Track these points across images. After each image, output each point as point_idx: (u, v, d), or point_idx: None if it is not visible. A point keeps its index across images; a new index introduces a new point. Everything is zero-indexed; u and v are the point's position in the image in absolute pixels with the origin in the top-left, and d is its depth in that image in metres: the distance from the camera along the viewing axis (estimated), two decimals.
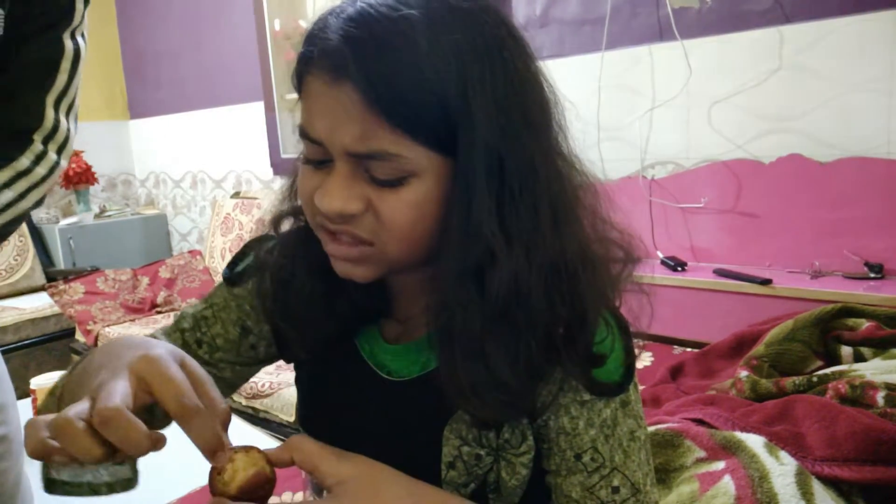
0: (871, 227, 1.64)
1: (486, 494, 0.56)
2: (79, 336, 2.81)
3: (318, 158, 0.51)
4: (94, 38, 3.95)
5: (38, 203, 0.82)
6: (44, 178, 0.81)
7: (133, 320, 2.78)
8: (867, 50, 1.62)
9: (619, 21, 2.03)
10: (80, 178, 3.62)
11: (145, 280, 3.01)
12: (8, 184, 0.78)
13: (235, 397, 2.02)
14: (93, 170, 3.68)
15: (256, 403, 1.94)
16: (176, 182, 3.85)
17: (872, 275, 1.60)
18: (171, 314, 2.85)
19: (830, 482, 0.92)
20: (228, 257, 3.00)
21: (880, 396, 1.05)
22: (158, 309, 2.92)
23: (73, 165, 3.59)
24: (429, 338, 0.55)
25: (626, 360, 0.55)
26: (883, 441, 0.92)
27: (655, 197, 2.00)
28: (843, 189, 1.67)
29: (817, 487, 0.88)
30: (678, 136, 1.98)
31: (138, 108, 4.03)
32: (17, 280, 3.33)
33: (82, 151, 3.69)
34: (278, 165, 3.15)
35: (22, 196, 0.79)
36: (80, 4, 0.82)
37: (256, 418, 1.93)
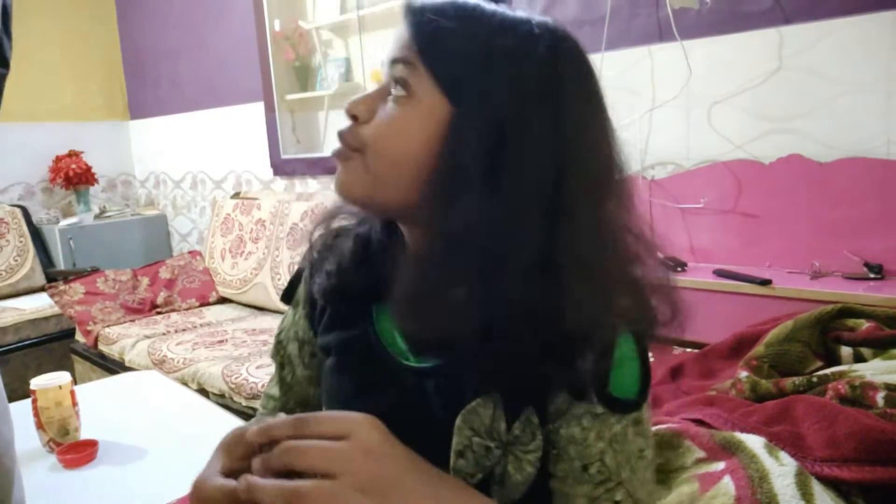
0: (871, 227, 1.64)
1: (490, 486, 0.57)
2: (79, 336, 2.81)
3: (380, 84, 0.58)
4: (94, 38, 3.96)
5: None
6: None
7: (133, 321, 2.78)
8: (867, 50, 1.62)
9: (619, 21, 2.03)
10: (80, 179, 3.62)
11: (145, 280, 3.01)
12: None
13: (235, 398, 2.02)
14: (93, 170, 3.69)
15: (256, 404, 1.94)
16: (176, 182, 3.85)
17: (872, 275, 1.60)
18: (171, 314, 2.86)
19: (830, 482, 0.92)
20: (228, 258, 3.01)
21: (880, 397, 1.05)
22: (158, 309, 2.92)
23: (73, 166, 3.60)
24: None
25: (642, 377, 0.56)
26: (883, 441, 0.92)
27: (655, 197, 2.00)
28: (843, 189, 1.67)
29: (817, 488, 0.88)
30: (678, 136, 1.98)
31: (138, 108, 4.03)
32: (17, 280, 3.33)
33: (82, 152, 3.70)
34: (278, 166, 3.14)
35: None
36: None
37: None
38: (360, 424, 0.49)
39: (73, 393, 1.39)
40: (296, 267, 0.75)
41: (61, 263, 3.48)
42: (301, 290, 0.74)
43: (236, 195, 3.28)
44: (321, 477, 0.46)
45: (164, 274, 3.04)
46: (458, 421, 0.56)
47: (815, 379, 1.18)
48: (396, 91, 0.55)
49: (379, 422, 0.50)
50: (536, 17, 0.56)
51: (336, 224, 0.69)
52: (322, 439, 0.48)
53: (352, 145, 0.56)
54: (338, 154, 0.58)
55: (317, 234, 0.69)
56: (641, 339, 0.56)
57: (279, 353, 0.75)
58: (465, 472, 0.56)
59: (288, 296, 0.75)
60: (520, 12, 0.57)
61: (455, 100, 0.53)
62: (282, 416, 0.51)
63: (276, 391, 0.77)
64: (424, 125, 0.54)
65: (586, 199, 0.53)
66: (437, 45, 0.54)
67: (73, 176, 3.58)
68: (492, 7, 0.55)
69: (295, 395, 0.75)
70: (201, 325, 2.68)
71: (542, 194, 0.52)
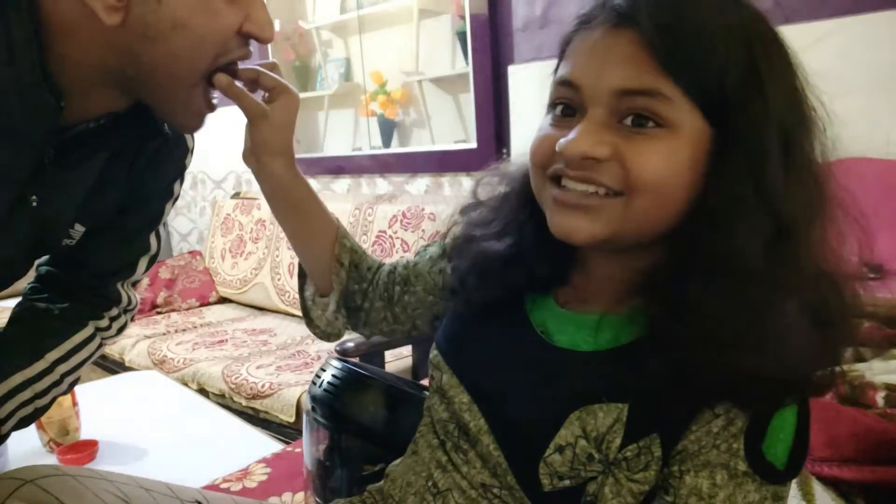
0: (870, 227, 1.64)
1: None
2: None
3: (568, 105, 0.52)
4: None
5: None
6: (119, 330, 0.96)
7: (133, 320, 2.78)
8: (867, 50, 1.62)
9: None
10: None
11: (145, 280, 3.01)
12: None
13: (235, 398, 2.02)
14: None
15: (256, 404, 1.94)
16: None
17: (872, 275, 1.59)
18: (171, 314, 2.86)
19: (830, 482, 0.92)
20: (228, 258, 3.01)
21: (880, 397, 1.05)
22: (158, 309, 2.92)
23: None
24: (637, 318, 0.54)
25: (796, 447, 0.50)
26: (883, 441, 0.92)
27: None
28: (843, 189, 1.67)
29: (818, 488, 0.88)
30: None
31: None
32: (26, 282, 3.32)
33: None
34: None
35: (102, 346, 0.92)
36: (169, 206, 0.91)
37: (256, 419, 1.93)
38: None
39: (73, 393, 1.39)
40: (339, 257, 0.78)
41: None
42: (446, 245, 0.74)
43: (236, 195, 3.28)
44: None
45: (164, 274, 3.04)
46: (572, 416, 0.52)
47: None
48: (646, 115, 0.49)
49: None
50: None
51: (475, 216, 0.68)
52: None
53: (613, 188, 0.50)
54: (584, 199, 0.51)
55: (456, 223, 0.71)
56: (804, 403, 0.52)
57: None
58: (554, 470, 0.53)
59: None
60: None
61: (720, 122, 0.49)
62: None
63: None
64: (689, 156, 0.49)
65: (817, 219, 0.52)
66: (693, 65, 0.48)
67: None
68: None
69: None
70: (201, 325, 2.67)
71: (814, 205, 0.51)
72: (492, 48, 2.25)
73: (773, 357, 0.47)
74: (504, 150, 2.09)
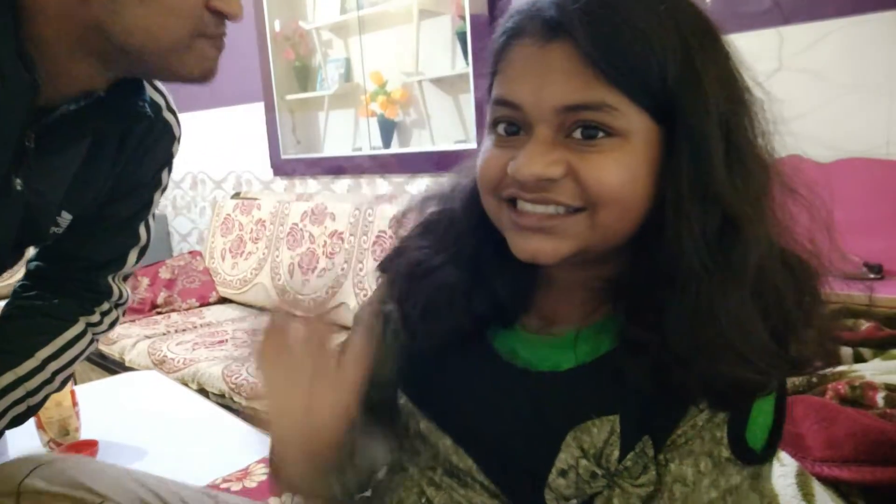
0: (870, 227, 1.64)
1: None
2: None
3: (511, 125, 0.51)
4: None
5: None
6: (110, 325, 0.95)
7: (133, 321, 2.78)
8: (867, 50, 1.62)
9: None
10: None
11: (145, 280, 3.01)
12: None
13: (236, 398, 2.02)
14: None
15: (256, 404, 1.94)
16: (176, 183, 3.85)
17: (872, 275, 1.59)
18: (171, 314, 2.86)
19: (830, 483, 0.92)
20: (228, 258, 3.01)
21: (880, 397, 1.05)
22: (158, 309, 2.91)
23: None
24: (607, 330, 0.52)
25: (774, 428, 0.52)
26: (883, 442, 0.92)
27: None
28: (843, 190, 1.67)
29: (818, 488, 0.88)
30: None
31: None
32: (16, 281, 3.32)
33: None
34: (278, 166, 3.14)
35: (94, 341, 0.92)
36: (158, 196, 0.90)
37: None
38: None
39: (73, 393, 1.39)
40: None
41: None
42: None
43: (236, 195, 3.27)
44: None
45: (164, 274, 3.03)
46: (567, 437, 0.52)
47: (814, 379, 1.17)
48: (596, 127, 0.47)
49: None
50: None
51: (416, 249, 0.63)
52: None
53: (573, 206, 0.49)
54: (545, 221, 0.50)
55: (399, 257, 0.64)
56: (783, 385, 0.52)
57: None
58: (561, 493, 0.52)
59: (383, 263, 0.69)
60: None
61: (662, 119, 0.48)
62: None
63: None
64: (644, 159, 0.48)
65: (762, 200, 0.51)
66: (634, 71, 0.46)
67: None
68: None
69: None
70: (201, 326, 2.67)
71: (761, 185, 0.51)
72: None
73: (736, 357, 0.47)
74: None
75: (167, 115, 0.85)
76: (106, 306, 0.92)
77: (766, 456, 0.52)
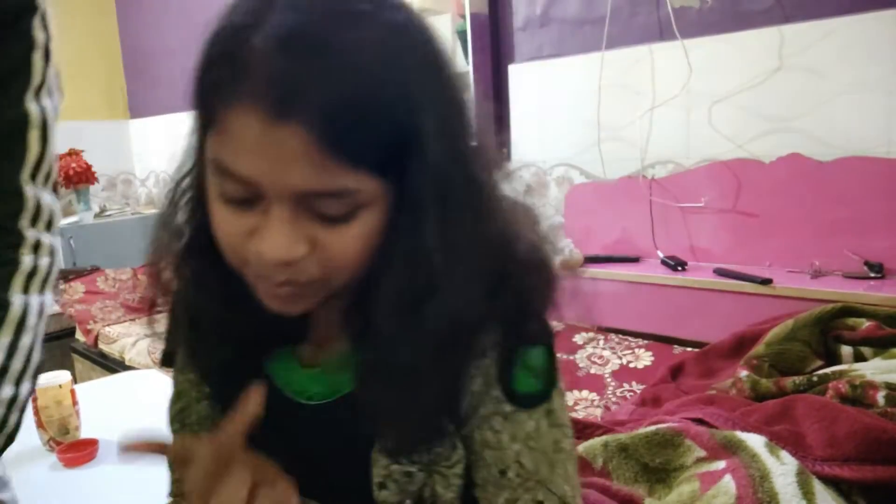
0: (871, 227, 1.64)
1: None
2: (79, 335, 2.81)
3: (243, 198, 0.46)
4: (94, 36, 3.95)
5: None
6: (51, 267, 0.72)
7: (133, 320, 2.78)
8: (867, 50, 1.62)
9: (619, 20, 2.03)
10: (80, 178, 3.62)
11: (145, 280, 3.01)
12: (25, 290, 0.69)
13: None
14: (93, 169, 3.68)
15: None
16: None
17: (872, 274, 1.60)
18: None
19: (831, 482, 0.92)
20: None
21: (881, 396, 1.05)
22: (158, 309, 2.91)
23: (74, 165, 3.59)
24: (352, 359, 0.53)
25: (547, 366, 0.54)
26: (883, 441, 0.92)
27: (655, 196, 2.00)
28: (843, 189, 1.67)
29: (818, 487, 0.88)
30: (678, 135, 1.98)
31: (138, 107, 4.03)
32: None
33: (82, 151, 3.69)
34: None
35: (42, 294, 0.71)
36: (38, 61, 0.69)
37: None
38: None
39: (73, 392, 1.39)
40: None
41: (61, 262, 3.47)
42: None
43: None
44: None
45: None
46: (373, 452, 0.53)
47: (815, 378, 1.18)
48: (338, 210, 0.45)
49: None
50: None
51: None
52: None
53: (316, 278, 0.48)
54: (291, 294, 0.49)
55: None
56: (545, 326, 0.54)
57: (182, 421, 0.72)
58: (391, 501, 0.54)
59: (170, 359, 0.70)
60: None
61: (394, 176, 0.46)
62: None
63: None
64: (382, 221, 0.48)
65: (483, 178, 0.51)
66: (368, 146, 0.43)
67: (73, 175, 3.57)
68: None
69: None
70: None
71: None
72: (492, 47, 2.26)
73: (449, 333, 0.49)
74: (504, 150, 2.09)
75: None
76: (31, 236, 0.68)
77: (547, 392, 0.54)
